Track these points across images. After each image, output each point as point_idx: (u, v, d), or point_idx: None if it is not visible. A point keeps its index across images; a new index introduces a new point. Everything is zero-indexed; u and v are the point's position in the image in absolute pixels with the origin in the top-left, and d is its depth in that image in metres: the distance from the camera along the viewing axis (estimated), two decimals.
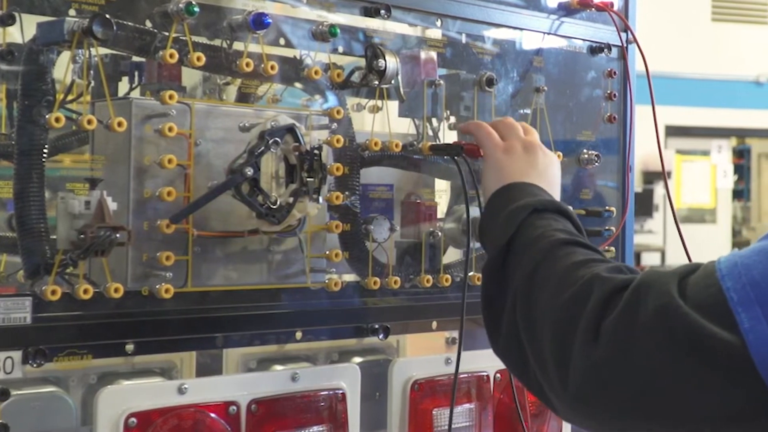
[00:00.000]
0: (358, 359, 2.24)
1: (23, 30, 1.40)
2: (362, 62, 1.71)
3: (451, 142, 1.81)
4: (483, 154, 1.64)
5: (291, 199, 1.57)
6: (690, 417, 1.09)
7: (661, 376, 1.08)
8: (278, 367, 2.16)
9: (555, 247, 1.32)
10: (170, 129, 1.48)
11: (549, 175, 1.59)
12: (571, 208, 1.47)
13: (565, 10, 2.07)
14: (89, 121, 1.39)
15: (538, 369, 1.23)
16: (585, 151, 2.10)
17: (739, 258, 1.09)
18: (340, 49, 1.72)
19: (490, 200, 1.53)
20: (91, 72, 1.41)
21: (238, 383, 1.60)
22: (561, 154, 2.02)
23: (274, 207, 1.55)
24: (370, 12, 1.74)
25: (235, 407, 1.55)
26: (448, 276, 1.85)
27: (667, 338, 1.07)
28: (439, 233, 1.84)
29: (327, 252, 1.69)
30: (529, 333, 1.25)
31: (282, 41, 1.64)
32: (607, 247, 2.11)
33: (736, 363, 1.03)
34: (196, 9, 1.47)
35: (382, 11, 1.74)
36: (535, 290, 1.27)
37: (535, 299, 1.26)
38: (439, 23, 1.86)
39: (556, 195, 1.58)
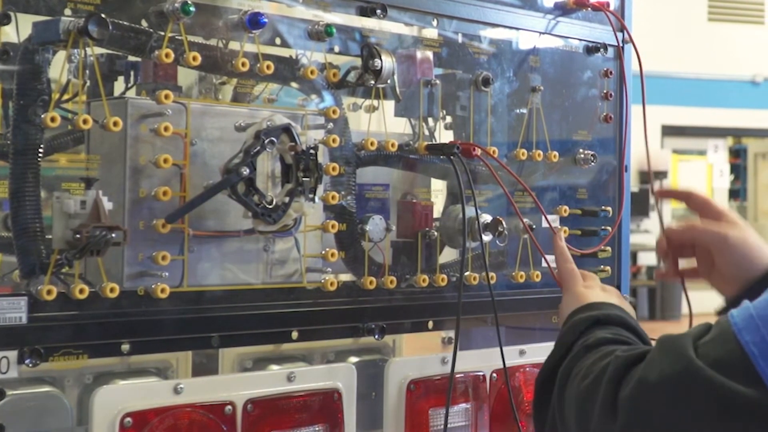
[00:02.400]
0: (354, 359, 2.24)
1: (19, 29, 1.40)
2: (358, 62, 1.71)
3: (446, 141, 1.81)
4: (563, 289, 1.68)
5: (287, 199, 1.57)
6: None
7: None
8: (274, 367, 2.16)
9: (594, 345, 1.35)
10: (166, 128, 1.48)
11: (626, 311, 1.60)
12: (639, 326, 1.49)
13: (561, 10, 2.07)
14: (85, 121, 1.38)
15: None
16: (581, 150, 2.10)
17: (753, 310, 1.08)
18: (336, 48, 1.72)
19: (566, 318, 1.55)
20: (87, 71, 1.41)
21: (234, 383, 1.60)
22: (557, 153, 2.02)
23: (270, 207, 1.55)
24: (366, 11, 1.74)
25: (230, 407, 1.55)
26: (444, 276, 1.84)
27: (688, 400, 1.07)
28: (435, 233, 1.84)
29: (323, 252, 1.69)
30: (560, 418, 1.32)
31: (278, 41, 1.64)
32: (603, 247, 2.11)
33: (762, 417, 1.02)
34: (192, 8, 1.47)
35: (378, 11, 1.74)
36: (569, 382, 1.32)
37: (567, 388, 1.31)
38: (435, 23, 1.86)
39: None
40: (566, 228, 2.04)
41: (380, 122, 1.78)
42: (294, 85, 1.71)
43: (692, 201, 1.74)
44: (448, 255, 1.92)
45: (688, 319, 1.86)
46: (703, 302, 1.97)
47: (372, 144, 1.74)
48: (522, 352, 1.97)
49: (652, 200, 12.80)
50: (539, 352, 1.98)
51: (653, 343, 1.27)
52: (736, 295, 1.57)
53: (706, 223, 1.67)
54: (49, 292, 1.36)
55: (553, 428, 1.36)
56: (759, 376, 1.02)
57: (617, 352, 1.25)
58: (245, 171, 1.51)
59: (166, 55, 1.47)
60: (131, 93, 1.66)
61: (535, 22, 2.02)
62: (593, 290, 1.63)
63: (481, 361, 1.90)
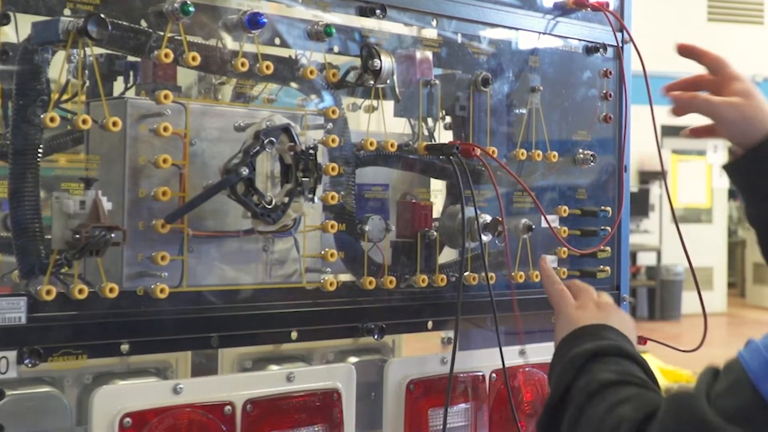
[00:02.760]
0: (353, 359, 2.24)
1: (18, 29, 1.40)
2: (358, 62, 1.71)
3: (446, 141, 1.81)
4: (555, 311, 1.68)
5: (286, 199, 1.57)
6: None
7: None
8: (274, 367, 2.16)
9: (597, 391, 1.33)
10: (165, 129, 1.48)
11: (624, 328, 1.58)
12: (637, 351, 1.48)
13: (561, 10, 2.07)
14: (84, 121, 1.38)
15: None
16: (580, 150, 2.10)
17: (766, 353, 1.06)
18: (336, 48, 1.72)
19: (559, 345, 1.55)
20: (86, 71, 1.41)
21: (233, 383, 1.60)
22: (557, 154, 2.02)
23: (270, 207, 1.55)
24: (365, 12, 1.74)
25: (230, 407, 1.55)
26: (444, 276, 1.84)
27: None
28: (435, 233, 1.84)
29: (322, 252, 1.69)
30: None
31: (277, 41, 1.64)
32: (603, 247, 2.11)
33: None
34: (191, 8, 1.47)
35: (378, 11, 1.74)
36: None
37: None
38: (434, 23, 1.86)
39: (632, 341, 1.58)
40: (566, 228, 2.04)
41: (380, 122, 1.77)
42: (293, 85, 1.71)
43: (706, 59, 1.78)
44: (447, 255, 1.92)
45: (687, 319, 1.87)
46: (702, 303, 1.98)
47: (371, 144, 1.74)
48: (521, 352, 1.97)
49: (651, 200, 12.75)
50: (539, 352, 1.98)
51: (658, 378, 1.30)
52: (737, 159, 1.68)
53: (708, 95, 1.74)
54: (48, 293, 1.36)
55: None
56: None
57: (626, 411, 1.22)
58: (245, 171, 1.51)
59: (166, 56, 1.47)
60: (130, 93, 1.66)
61: (534, 22, 2.02)
62: (587, 310, 1.62)
63: (480, 361, 1.90)
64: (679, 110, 1.78)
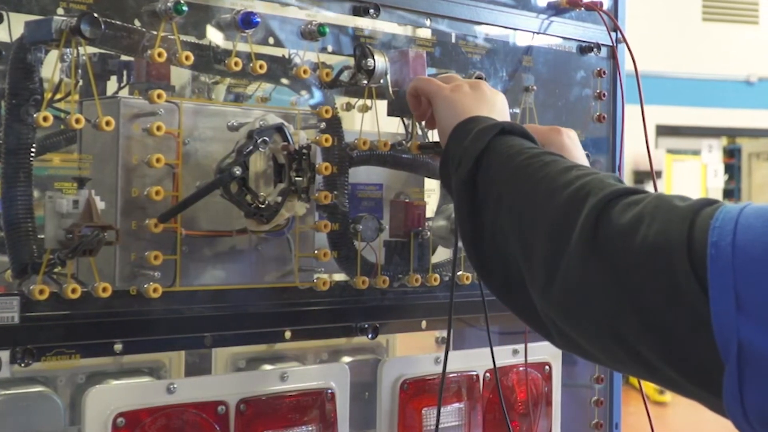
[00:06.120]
0: (347, 359, 2.24)
1: (11, 29, 1.39)
2: (351, 61, 1.71)
3: (439, 140, 1.81)
4: (431, 99, 1.56)
5: (279, 199, 1.57)
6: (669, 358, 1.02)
7: (649, 313, 1.01)
8: (267, 367, 2.16)
9: (538, 155, 1.25)
10: (158, 128, 1.48)
11: (499, 107, 1.52)
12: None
13: (555, 10, 2.07)
14: (77, 120, 1.38)
15: (523, 262, 1.18)
16: None
17: (736, 233, 0.97)
18: (329, 48, 1.72)
19: (452, 134, 1.43)
20: (79, 71, 1.40)
21: (226, 383, 1.60)
22: None
23: (263, 206, 1.55)
24: (359, 11, 1.74)
25: (223, 407, 1.55)
26: (437, 275, 1.84)
27: (659, 278, 0.99)
28: (428, 232, 1.84)
29: (316, 251, 1.69)
30: (519, 226, 1.20)
31: (271, 40, 1.64)
32: None
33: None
34: (185, 8, 1.47)
35: (371, 10, 1.74)
36: (524, 187, 1.21)
37: (527, 194, 1.20)
38: (428, 22, 1.86)
39: None
40: None
41: (373, 122, 1.78)
42: (287, 84, 1.71)
43: None
44: (441, 255, 1.92)
45: None
46: None
47: (365, 143, 1.74)
48: (515, 352, 1.97)
49: None
50: (534, 351, 1.98)
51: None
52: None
53: None
54: (41, 292, 1.36)
55: (495, 235, 1.25)
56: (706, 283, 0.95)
57: (598, 175, 1.15)
58: (238, 171, 1.51)
59: (159, 55, 1.47)
60: (124, 92, 1.66)
61: (528, 21, 2.03)
62: (462, 91, 1.51)
63: (474, 360, 1.90)
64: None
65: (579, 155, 1.62)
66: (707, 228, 0.98)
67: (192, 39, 1.56)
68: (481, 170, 1.31)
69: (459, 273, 1.86)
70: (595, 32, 2.15)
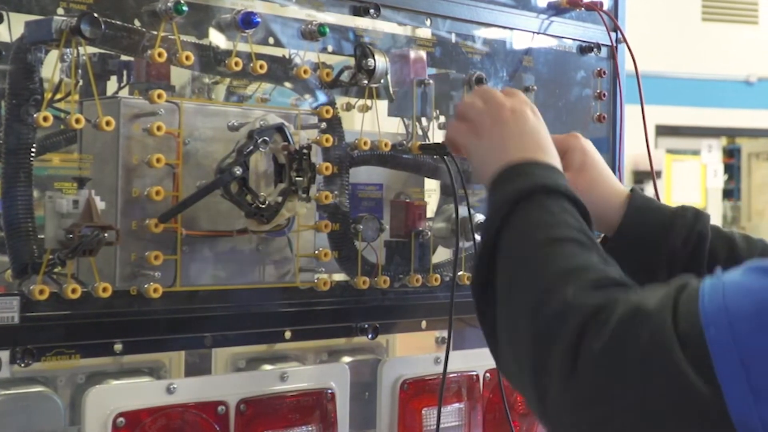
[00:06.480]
0: (347, 359, 2.24)
1: (11, 28, 1.39)
2: (352, 61, 1.71)
3: (440, 141, 1.81)
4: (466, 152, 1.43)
5: (280, 199, 1.57)
6: None
7: (643, 424, 1.00)
8: (267, 367, 2.16)
9: (548, 244, 1.16)
10: (159, 128, 1.48)
11: (534, 137, 1.37)
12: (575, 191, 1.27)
13: (555, 10, 2.07)
14: (77, 120, 1.38)
15: (516, 371, 1.13)
16: None
17: (724, 299, 0.98)
18: (330, 48, 1.72)
19: (489, 191, 1.30)
20: (80, 71, 1.40)
21: (226, 383, 1.60)
22: None
23: (263, 206, 1.55)
24: (359, 11, 1.73)
25: (223, 407, 1.55)
26: (438, 275, 1.84)
27: (655, 386, 0.99)
28: (429, 232, 1.84)
29: (316, 251, 1.69)
30: (509, 333, 1.15)
31: (271, 40, 1.64)
32: None
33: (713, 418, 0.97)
34: (185, 8, 1.47)
35: (372, 10, 1.74)
36: (517, 291, 1.15)
37: (518, 301, 1.14)
38: (428, 22, 1.86)
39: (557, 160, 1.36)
40: None
41: (374, 122, 1.77)
42: (287, 84, 1.71)
43: None
44: (441, 255, 1.92)
45: None
46: None
47: (365, 144, 1.74)
48: None
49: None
50: None
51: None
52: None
53: None
54: (41, 292, 1.36)
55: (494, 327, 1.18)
56: (715, 377, 0.95)
57: (584, 286, 1.08)
58: (238, 171, 1.51)
59: (159, 55, 1.47)
60: (124, 92, 1.66)
61: (528, 21, 2.02)
62: (527, 119, 1.36)
63: (474, 360, 1.90)
64: None
65: (599, 157, 1.58)
66: (695, 317, 0.98)
67: (192, 39, 1.56)
68: (497, 245, 1.21)
69: (459, 273, 1.86)
70: (595, 32, 2.15)
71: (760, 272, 1.01)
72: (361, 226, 1.74)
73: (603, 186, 1.52)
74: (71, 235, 1.36)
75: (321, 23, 1.66)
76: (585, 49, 2.14)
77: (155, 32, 1.48)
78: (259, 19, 1.55)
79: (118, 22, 1.46)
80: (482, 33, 1.96)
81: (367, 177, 1.83)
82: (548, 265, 1.14)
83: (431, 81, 1.84)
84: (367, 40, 1.75)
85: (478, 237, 1.83)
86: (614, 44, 2.17)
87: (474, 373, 1.90)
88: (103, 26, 1.38)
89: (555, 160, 1.33)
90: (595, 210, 1.33)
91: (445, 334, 1.81)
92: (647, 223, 1.48)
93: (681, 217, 1.46)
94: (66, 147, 1.62)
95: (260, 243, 1.65)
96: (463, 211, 1.78)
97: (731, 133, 14.35)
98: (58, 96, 1.42)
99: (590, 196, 1.43)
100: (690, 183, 13.33)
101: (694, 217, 1.47)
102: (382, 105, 1.81)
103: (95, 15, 1.37)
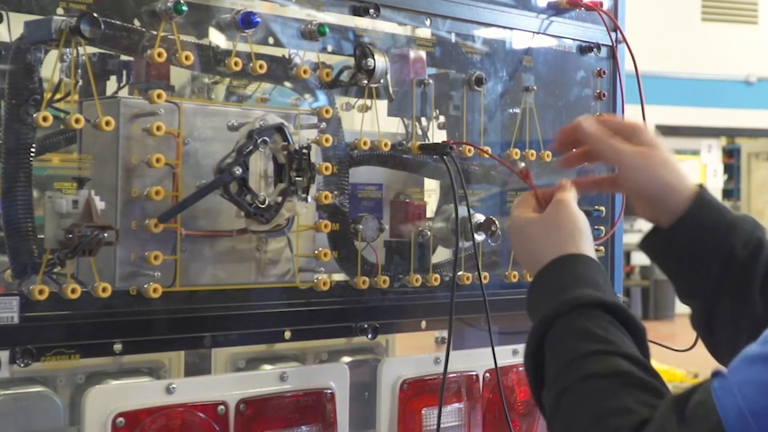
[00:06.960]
0: (347, 359, 2.24)
1: (11, 29, 1.39)
2: (351, 61, 1.71)
3: (439, 141, 1.81)
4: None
5: (279, 199, 1.57)
6: None
7: None
8: (267, 367, 2.16)
9: (590, 378, 1.20)
10: (158, 128, 1.48)
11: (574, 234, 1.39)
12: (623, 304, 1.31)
13: (555, 10, 2.07)
14: (77, 120, 1.38)
15: None
16: (575, 150, 2.10)
17: (743, 402, 1.01)
18: (329, 48, 1.72)
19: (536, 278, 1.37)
20: (79, 71, 1.40)
21: (226, 383, 1.59)
22: (550, 153, 2.02)
23: (263, 206, 1.55)
24: (359, 11, 1.73)
25: (223, 407, 1.55)
26: (437, 275, 1.84)
27: None
28: (428, 232, 1.84)
29: (316, 251, 1.69)
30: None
31: (271, 40, 1.64)
32: (596, 247, 2.11)
33: None
34: (185, 8, 1.47)
35: (371, 10, 1.74)
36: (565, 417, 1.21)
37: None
38: (428, 22, 1.86)
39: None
40: None
41: (373, 122, 1.77)
42: (287, 84, 1.71)
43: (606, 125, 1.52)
44: (441, 255, 1.92)
45: (680, 318, 1.86)
46: None
47: (365, 143, 1.74)
48: (515, 352, 1.97)
49: None
50: None
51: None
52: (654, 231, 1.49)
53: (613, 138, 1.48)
54: (41, 292, 1.36)
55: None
56: None
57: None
58: (238, 170, 1.51)
59: (159, 55, 1.47)
60: (124, 92, 1.66)
61: (528, 21, 2.02)
62: (583, 236, 1.38)
63: (474, 360, 1.89)
64: (576, 159, 1.60)
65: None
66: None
67: (192, 39, 1.56)
68: (544, 345, 1.27)
69: (459, 273, 1.86)
70: (595, 32, 2.15)
71: (761, 362, 1.04)
72: (361, 226, 1.74)
73: (673, 169, 1.48)
74: (71, 235, 1.36)
75: (321, 23, 1.66)
76: (585, 49, 2.14)
77: (155, 32, 1.48)
78: (258, 19, 1.55)
79: (117, 22, 1.46)
80: (482, 33, 1.96)
81: (367, 177, 1.83)
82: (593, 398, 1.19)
83: (431, 81, 1.84)
84: (367, 40, 1.75)
85: (477, 237, 1.83)
86: (614, 44, 2.17)
87: (474, 373, 1.90)
88: (102, 26, 1.38)
89: None
90: (661, 190, 1.42)
91: (444, 334, 1.81)
92: (712, 219, 1.47)
93: (743, 221, 1.47)
94: (66, 147, 1.61)
95: (260, 243, 1.65)
96: (463, 211, 1.79)
97: (731, 133, 14.36)
98: (58, 96, 1.42)
99: (661, 176, 1.45)
100: None
101: (755, 223, 1.48)
102: (382, 105, 1.81)
103: (95, 15, 1.37)
